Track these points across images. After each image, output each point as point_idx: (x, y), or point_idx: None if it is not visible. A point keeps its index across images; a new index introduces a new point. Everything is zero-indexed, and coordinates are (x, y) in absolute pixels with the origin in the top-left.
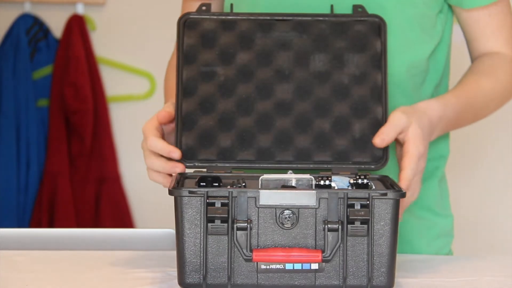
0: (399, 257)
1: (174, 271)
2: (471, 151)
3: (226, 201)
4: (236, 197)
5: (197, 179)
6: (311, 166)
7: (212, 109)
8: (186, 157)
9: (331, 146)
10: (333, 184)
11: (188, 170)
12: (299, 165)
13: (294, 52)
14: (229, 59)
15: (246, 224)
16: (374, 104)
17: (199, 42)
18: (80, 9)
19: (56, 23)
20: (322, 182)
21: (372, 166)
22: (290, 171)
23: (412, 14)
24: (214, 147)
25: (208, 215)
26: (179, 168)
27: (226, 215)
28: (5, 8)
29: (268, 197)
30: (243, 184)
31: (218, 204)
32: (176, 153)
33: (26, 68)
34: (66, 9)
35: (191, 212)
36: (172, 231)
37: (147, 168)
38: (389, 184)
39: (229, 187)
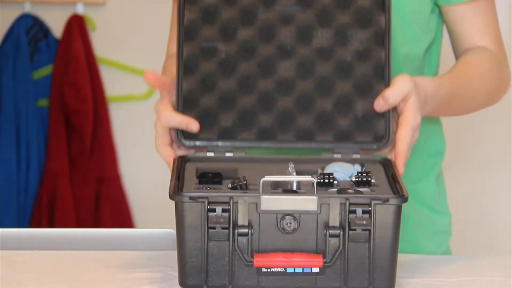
0: (399, 257)
1: (174, 271)
2: (471, 151)
3: (227, 207)
4: (237, 202)
5: (197, 175)
6: (313, 146)
7: (213, 88)
8: (186, 137)
9: (333, 126)
10: (335, 175)
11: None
12: (300, 145)
13: (297, 27)
14: (231, 35)
15: (247, 230)
16: (377, 83)
17: (200, 17)
18: (80, 9)
19: (56, 23)
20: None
21: (374, 146)
22: (291, 164)
23: (408, 11)
24: (215, 127)
25: (209, 221)
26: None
27: (227, 221)
28: (5, 8)
29: (269, 202)
30: (244, 182)
31: (219, 210)
32: (195, 125)
33: (26, 68)
34: (66, 9)
35: (192, 217)
36: (172, 231)
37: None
38: (390, 175)
39: (229, 185)
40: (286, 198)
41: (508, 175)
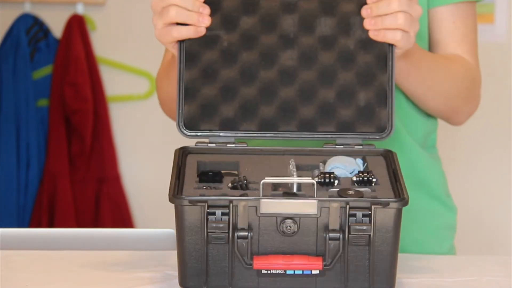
0: (399, 257)
1: (174, 271)
2: (471, 151)
3: (227, 210)
4: (237, 206)
5: (198, 173)
6: (315, 136)
7: (215, 78)
8: (188, 127)
9: (336, 117)
10: (336, 171)
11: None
12: (302, 136)
13: (299, 15)
14: (233, 23)
15: (246, 233)
16: (380, 72)
17: None
18: (80, 9)
19: (56, 23)
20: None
21: (377, 137)
22: (291, 162)
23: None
24: (216, 117)
25: (208, 226)
26: (205, 8)
27: (227, 225)
28: (5, 8)
29: (269, 206)
30: (245, 182)
31: (218, 213)
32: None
33: (26, 68)
34: (66, 9)
35: (192, 220)
36: (172, 231)
37: (165, 27)
38: (392, 171)
39: (229, 184)
40: (286, 202)
41: (507, 174)
